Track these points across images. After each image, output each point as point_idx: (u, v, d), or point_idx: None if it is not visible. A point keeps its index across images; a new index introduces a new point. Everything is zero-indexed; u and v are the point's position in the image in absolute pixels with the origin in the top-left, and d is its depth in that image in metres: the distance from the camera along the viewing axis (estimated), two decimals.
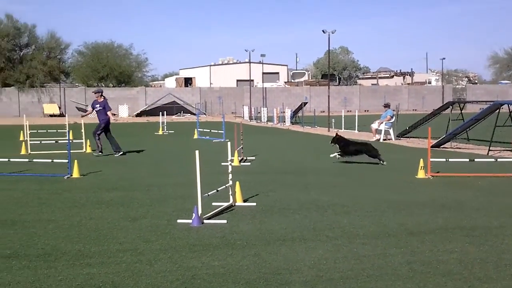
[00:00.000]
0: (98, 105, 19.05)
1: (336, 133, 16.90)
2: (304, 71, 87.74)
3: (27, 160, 15.56)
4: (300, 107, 41.36)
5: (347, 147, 15.91)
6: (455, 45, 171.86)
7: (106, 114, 18.78)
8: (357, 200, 10.62)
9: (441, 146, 20.81)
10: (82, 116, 22.12)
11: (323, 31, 34.73)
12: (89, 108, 20.02)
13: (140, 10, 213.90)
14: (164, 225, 8.67)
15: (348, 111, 48.77)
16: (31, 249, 7.31)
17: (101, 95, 19.23)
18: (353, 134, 28.67)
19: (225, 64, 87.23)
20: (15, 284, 5.98)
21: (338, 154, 16.05)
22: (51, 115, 51.70)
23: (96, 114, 19.19)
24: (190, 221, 8.69)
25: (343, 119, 32.48)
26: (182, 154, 19.56)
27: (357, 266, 6.59)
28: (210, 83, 73.92)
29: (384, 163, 15.79)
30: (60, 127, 26.41)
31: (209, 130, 26.02)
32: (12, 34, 55.37)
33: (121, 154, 18.67)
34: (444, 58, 78.38)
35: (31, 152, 19.24)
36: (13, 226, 8.63)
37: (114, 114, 18.20)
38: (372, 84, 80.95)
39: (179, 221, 8.87)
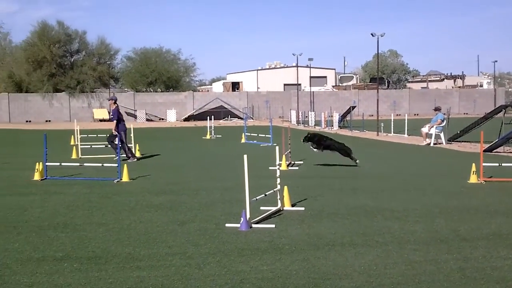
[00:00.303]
0: (111, 113, 19.38)
1: (308, 133, 17.44)
2: (352, 75, 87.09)
3: (78, 164, 15.80)
4: (348, 111, 41.08)
5: (321, 141, 16.51)
6: (508, 47, 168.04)
7: (122, 121, 18.88)
8: (407, 205, 10.45)
9: (494, 151, 20.35)
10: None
11: (372, 34, 34.41)
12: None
13: (188, 15, 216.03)
14: (213, 229, 8.68)
15: (397, 115, 48.17)
16: (82, 251, 7.41)
17: (114, 103, 19.37)
18: (402, 139, 28.30)
19: (272, 68, 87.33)
20: (66, 286, 6.07)
21: (313, 147, 16.62)
22: (100, 120, 52.49)
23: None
24: (238, 225, 8.68)
25: (392, 123, 32.09)
26: (229, 159, 19.60)
27: (408, 272, 6.48)
28: (257, 88, 74.04)
29: (357, 161, 16.39)
30: (109, 131, 26.71)
31: (256, 135, 26.02)
32: (63, 41, 56.44)
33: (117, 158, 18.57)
34: (496, 61, 77.25)
35: (82, 157, 19.56)
36: (64, 229, 8.76)
37: (114, 128, 18.43)
38: (422, 87, 79.83)
39: (227, 225, 8.87)
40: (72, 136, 26.52)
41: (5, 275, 6.44)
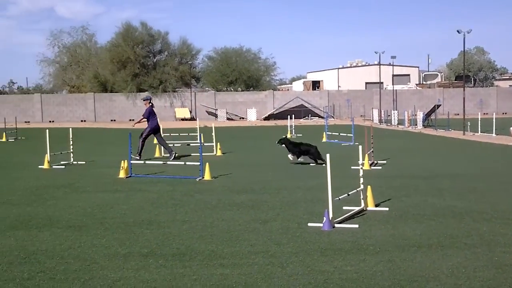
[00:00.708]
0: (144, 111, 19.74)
1: (285, 136, 18.06)
2: (436, 73, 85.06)
3: (161, 162, 16.10)
4: (432, 110, 40.14)
5: (293, 148, 17.01)
6: None
7: (155, 120, 19.26)
8: (497, 207, 10.06)
9: None
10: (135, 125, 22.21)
11: (458, 31, 33.42)
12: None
13: (269, 14, 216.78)
14: (295, 228, 8.62)
15: (484, 113, 46.63)
16: (167, 248, 7.51)
17: (149, 102, 19.66)
18: (490, 138, 27.37)
19: (354, 66, 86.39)
20: (152, 282, 6.15)
21: (291, 157, 17.01)
22: (182, 119, 53.39)
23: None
24: (321, 224, 8.59)
25: (479, 122, 31.08)
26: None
27: (499, 275, 6.22)
28: (338, 86, 73.46)
29: (323, 164, 16.05)
30: (191, 130, 27.20)
31: (337, 134, 25.77)
32: (146, 41, 57.69)
33: (137, 159, 18.37)
34: None
35: (165, 155, 19.91)
36: (149, 225, 8.91)
37: (135, 122, 19.51)
38: (510, 85, 77.01)
39: (309, 224, 8.80)
40: None
41: (93, 269, 6.60)
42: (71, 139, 18.03)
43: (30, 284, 6.10)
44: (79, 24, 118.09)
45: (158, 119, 19.65)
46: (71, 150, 17.98)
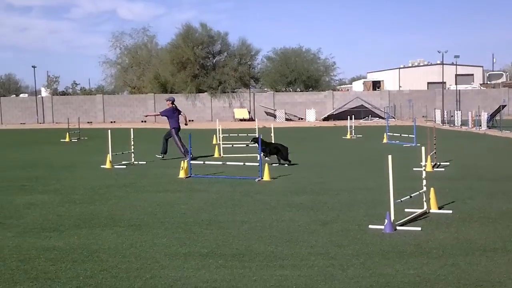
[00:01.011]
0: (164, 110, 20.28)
1: (258, 136, 17.57)
2: (501, 72, 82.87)
3: (220, 163, 16.16)
4: (497, 110, 39.14)
5: (265, 148, 17.18)
6: None
7: (176, 122, 19.66)
8: None
9: None
10: (147, 116, 23.73)
11: None
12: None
13: (329, 14, 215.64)
14: (355, 230, 8.51)
15: None
16: (226, 248, 7.51)
17: (171, 103, 20.09)
18: None
19: (415, 66, 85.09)
20: (212, 282, 6.16)
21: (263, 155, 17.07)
22: (241, 120, 53.64)
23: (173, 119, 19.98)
24: (382, 227, 8.44)
25: None
26: (371, 159, 19.24)
27: None
28: (399, 86, 72.43)
29: (286, 164, 17.02)
30: (250, 131, 27.25)
31: (399, 135, 25.35)
32: (206, 42, 58.19)
33: (161, 158, 19.31)
34: None
35: (224, 155, 20.01)
36: (209, 226, 8.94)
37: (148, 114, 20.20)
38: None
39: (370, 226, 8.66)
40: (214, 135, 27.25)
41: (154, 268, 6.65)
42: (132, 139, 18.31)
43: (93, 282, 6.19)
44: (140, 25, 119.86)
45: (178, 121, 19.94)
46: (132, 150, 18.27)
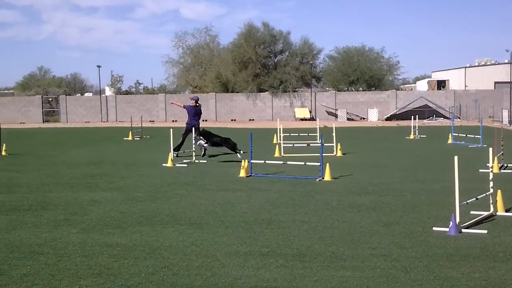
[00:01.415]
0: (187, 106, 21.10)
1: (203, 129, 19.48)
2: None
3: (281, 162, 16.12)
4: None
5: (211, 139, 18.66)
6: None
7: (192, 119, 20.38)
8: None
9: None
10: (172, 103, 24.47)
11: None
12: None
13: (392, 13, 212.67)
14: (419, 232, 8.32)
15: None
16: (287, 248, 7.46)
17: (195, 102, 20.87)
18: None
19: (482, 65, 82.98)
20: (273, 281, 6.12)
21: (204, 144, 18.74)
22: (302, 119, 53.45)
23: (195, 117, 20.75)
24: (446, 229, 8.23)
25: None
26: (435, 160, 18.85)
27: None
28: (465, 86, 70.76)
29: (240, 154, 18.27)
30: (311, 130, 27.10)
31: (464, 135, 24.74)
32: (268, 42, 58.14)
33: (175, 155, 19.35)
34: None
35: (284, 155, 19.95)
36: (269, 225, 8.91)
37: (175, 102, 23.27)
38: None
39: (434, 228, 8.46)
40: (275, 134, 27.23)
41: (215, 267, 6.66)
42: (193, 138, 18.45)
43: (155, 279, 6.25)
44: (203, 25, 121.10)
45: (198, 121, 20.66)
46: (193, 149, 18.38)
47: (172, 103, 24.57)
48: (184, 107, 20.93)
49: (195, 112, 20.55)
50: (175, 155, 19.15)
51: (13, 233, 8.44)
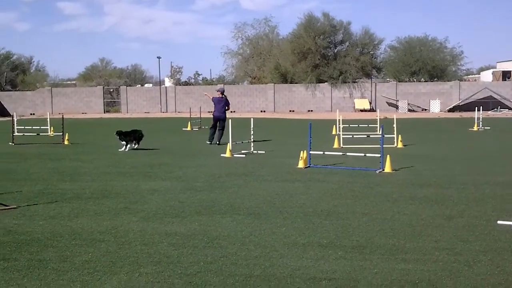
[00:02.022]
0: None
1: (117, 131, 19.91)
2: None
3: (340, 153, 15.95)
4: None
5: (125, 137, 19.44)
6: None
7: (219, 110, 21.31)
8: None
9: None
10: (205, 94, 25.88)
11: None
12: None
13: (456, 1, 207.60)
14: (483, 225, 8.07)
15: None
16: (346, 240, 7.35)
17: (221, 93, 21.66)
18: None
19: None
20: (332, 273, 6.04)
21: (123, 140, 19.49)
22: (361, 110, 52.87)
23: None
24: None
25: None
26: (500, 152, 18.35)
27: None
28: None
29: (135, 146, 19.42)
30: (371, 121, 26.80)
31: None
32: (328, 32, 57.68)
33: (210, 144, 21.10)
34: None
35: (343, 146, 19.75)
36: (328, 216, 8.81)
37: (206, 94, 25.04)
38: None
39: (499, 222, 8.20)
40: (334, 125, 27.01)
41: (273, 257, 6.62)
42: (251, 129, 18.45)
43: (213, 268, 6.24)
44: (262, 16, 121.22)
45: (224, 112, 21.38)
46: (252, 140, 18.41)
47: (205, 94, 25.18)
48: (212, 98, 21.66)
49: (221, 104, 21.29)
50: (208, 143, 20.90)
51: (75, 221, 8.60)
